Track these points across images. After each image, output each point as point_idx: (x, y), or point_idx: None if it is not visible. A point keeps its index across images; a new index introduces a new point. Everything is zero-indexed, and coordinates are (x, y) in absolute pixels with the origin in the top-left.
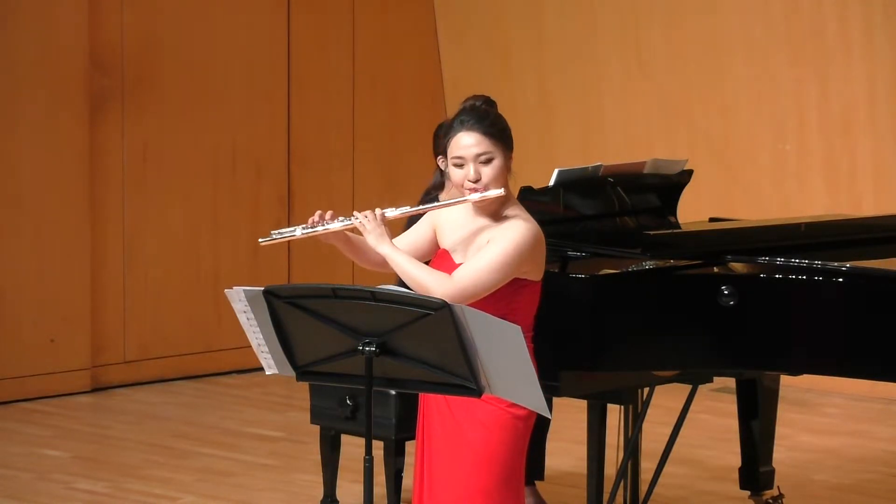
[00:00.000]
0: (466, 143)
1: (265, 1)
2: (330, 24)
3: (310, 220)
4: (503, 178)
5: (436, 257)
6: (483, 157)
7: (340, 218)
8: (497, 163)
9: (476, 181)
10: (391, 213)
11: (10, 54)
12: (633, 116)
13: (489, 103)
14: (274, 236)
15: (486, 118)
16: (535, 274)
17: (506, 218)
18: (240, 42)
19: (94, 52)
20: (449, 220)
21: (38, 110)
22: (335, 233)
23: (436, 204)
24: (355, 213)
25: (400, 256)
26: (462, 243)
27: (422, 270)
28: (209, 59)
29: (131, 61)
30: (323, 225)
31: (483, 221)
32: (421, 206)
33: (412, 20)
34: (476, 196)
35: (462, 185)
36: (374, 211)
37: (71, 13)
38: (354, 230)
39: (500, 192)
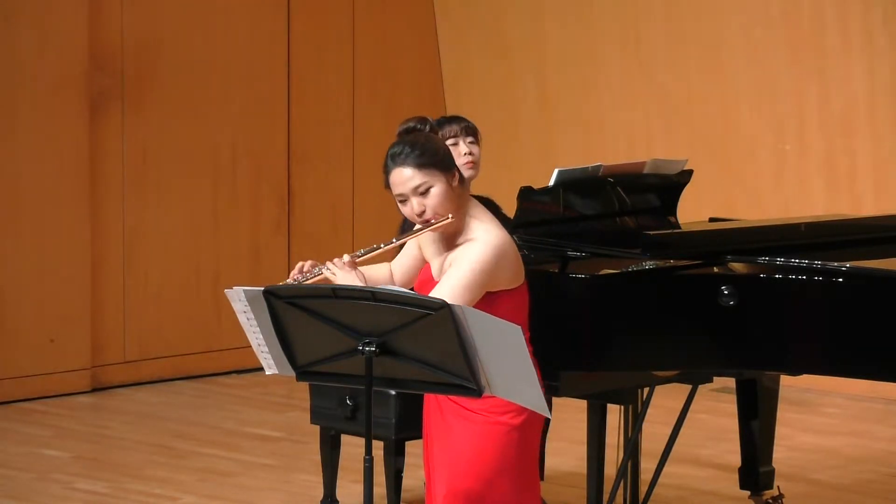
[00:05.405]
0: (401, 179)
1: (265, 1)
2: (330, 24)
3: (291, 276)
4: (448, 201)
5: (422, 272)
6: (421, 189)
7: (317, 268)
8: (437, 190)
9: (421, 214)
10: (358, 255)
11: (10, 54)
12: (633, 116)
13: (422, 122)
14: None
15: (415, 147)
16: (512, 282)
17: (465, 239)
18: (240, 42)
19: (94, 52)
20: (425, 241)
21: (39, 110)
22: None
23: (401, 238)
24: (327, 262)
25: None
26: (437, 266)
27: None
28: (209, 59)
29: (131, 61)
30: (303, 278)
31: (448, 243)
32: (385, 245)
33: (412, 20)
34: (427, 228)
35: (413, 220)
36: (341, 258)
37: (71, 13)
38: (327, 280)
39: (448, 219)
